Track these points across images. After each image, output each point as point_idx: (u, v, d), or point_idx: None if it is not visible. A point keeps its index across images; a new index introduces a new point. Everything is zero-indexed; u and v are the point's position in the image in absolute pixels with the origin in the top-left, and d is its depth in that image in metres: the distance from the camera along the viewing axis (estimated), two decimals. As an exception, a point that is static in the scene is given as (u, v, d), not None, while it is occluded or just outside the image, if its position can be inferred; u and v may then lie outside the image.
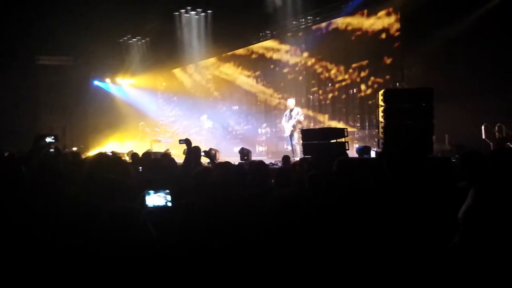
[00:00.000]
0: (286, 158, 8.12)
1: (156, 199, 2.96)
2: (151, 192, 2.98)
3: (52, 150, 6.41)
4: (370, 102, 12.69)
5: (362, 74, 13.07)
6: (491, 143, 9.72)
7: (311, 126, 13.91)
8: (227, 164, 4.36)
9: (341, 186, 3.69)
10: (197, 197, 3.21)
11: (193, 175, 3.61)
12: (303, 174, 5.69)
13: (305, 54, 14.59)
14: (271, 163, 9.92)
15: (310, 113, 14.44)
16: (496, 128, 10.20)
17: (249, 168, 4.43)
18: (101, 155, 4.66)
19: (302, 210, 2.44)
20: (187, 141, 5.90)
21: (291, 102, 11.64)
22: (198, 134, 14.56)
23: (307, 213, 2.46)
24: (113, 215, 1.74)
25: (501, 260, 2.41)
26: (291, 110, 11.36)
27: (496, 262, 2.42)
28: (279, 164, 8.99)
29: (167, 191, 3.02)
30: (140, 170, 5.58)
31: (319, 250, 2.31)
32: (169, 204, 2.97)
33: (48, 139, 5.72)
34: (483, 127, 10.22)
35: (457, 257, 2.56)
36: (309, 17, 14.21)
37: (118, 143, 16.57)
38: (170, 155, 7.79)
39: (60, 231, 2.52)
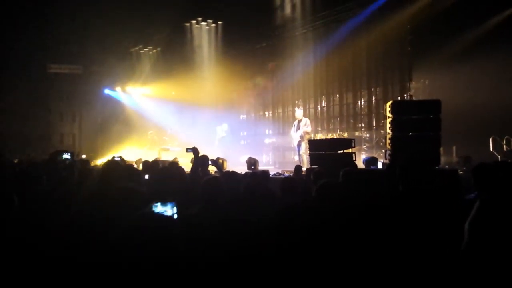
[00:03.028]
0: (297, 168, 8.09)
1: (163, 210, 3.01)
2: (158, 204, 3.02)
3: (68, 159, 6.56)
4: (377, 112, 12.70)
5: (370, 87, 13.09)
6: (498, 156, 9.69)
7: (319, 135, 13.96)
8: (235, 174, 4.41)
9: (351, 196, 3.72)
10: (206, 206, 3.26)
11: (202, 184, 3.67)
12: (310, 184, 5.73)
13: (314, 63, 14.63)
14: (277, 172, 9.97)
15: (318, 124, 14.49)
16: (504, 140, 10.17)
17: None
18: (112, 163, 4.74)
19: (309, 219, 2.46)
20: (194, 150, 5.95)
21: (299, 112, 11.69)
22: (207, 143, 14.64)
23: (314, 223, 2.48)
24: (149, 219, 1.78)
25: (505, 270, 2.44)
26: (299, 121, 11.41)
27: (501, 272, 2.45)
28: (286, 174, 9.03)
29: (174, 203, 3.06)
30: (147, 178, 5.66)
31: (328, 261, 2.33)
32: (175, 216, 3.01)
33: (65, 156, 5.90)
34: (490, 140, 10.20)
35: (462, 266, 2.59)
36: (318, 24, 14.24)
37: (127, 151, 16.67)
38: (178, 164, 7.85)
39: (68, 238, 2.57)
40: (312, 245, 2.26)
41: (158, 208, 3.01)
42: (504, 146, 10.17)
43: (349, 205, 3.26)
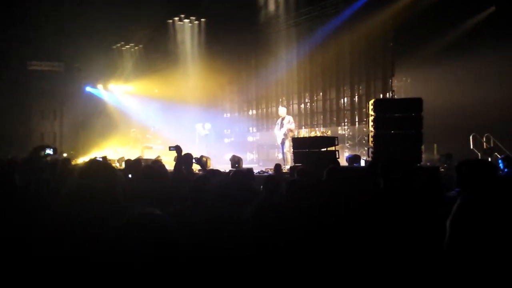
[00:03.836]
0: (277, 167, 8.19)
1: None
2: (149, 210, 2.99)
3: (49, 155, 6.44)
4: (360, 108, 12.79)
5: (352, 83, 13.14)
6: (479, 153, 9.86)
7: (302, 132, 13.99)
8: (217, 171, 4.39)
9: (328, 194, 3.74)
10: (194, 205, 3.25)
11: (194, 182, 3.65)
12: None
13: (297, 59, 14.63)
14: (261, 170, 9.97)
15: (302, 119, 14.52)
16: (484, 138, 10.35)
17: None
18: (92, 162, 4.67)
19: (284, 218, 2.46)
20: (177, 148, 5.90)
21: (282, 110, 11.70)
22: (190, 141, 14.59)
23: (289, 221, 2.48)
24: (141, 221, 1.75)
25: (488, 266, 2.48)
26: (283, 119, 11.43)
27: (483, 268, 2.48)
28: (270, 172, 9.04)
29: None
30: (130, 177, 5.60)
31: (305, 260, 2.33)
32: None
33: (48, 151, 5.79)
34: (471, 137, 10.36)
35: (445, 263, 2.63)
36: (301, 19, 14.24)
37: (110, 150, 16.50)
38: (160, 162, 7.80)
39: (49, 238, 2.53)
40: (285, 244, 2.26)
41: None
42: (484, 143, 10.34)
43: (319, 203, 3.27)
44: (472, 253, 2.53)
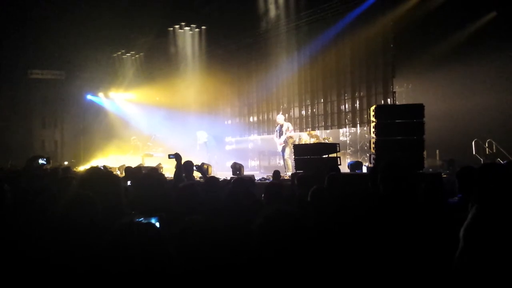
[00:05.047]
0: (276, 173, 8.17)
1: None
2: (141, 219, 2.95)
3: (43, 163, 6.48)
4: (361, 110, 12.74)
5: (353, 85, 13.09)
6: (481, 159, 9.79)
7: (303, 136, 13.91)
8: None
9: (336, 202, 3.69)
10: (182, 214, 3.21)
11: (178, 191, 3.61)
12: (294, 189, 5.71)
13: (298, 63, 14.59)
14: (262, 177, 9.93)
15: (303, 123, 14.45)
16: (487, 143, 10.29)
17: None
18: (93, 170, 4.63)
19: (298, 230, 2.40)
20: (176, 156, 5.86)
21: (280, 118, 11.68)
22: (191, 148, 14.56)
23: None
24: (131, 229, 1.72)
25: (503, 277, 2.41)
26: (281, 126, 11.41)
27: (498, 279, 2.42)
28: (271, 179, 8.99)
29: (157, 217, 2.99)
30: (129, 184, 5.57)
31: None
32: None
33: (41, 161, 5.84)
34: (473, 143, 10.30)
35: (458, 274, 2.56)
36: (302, 22, 14.23)
37: (110, 158, 16.48)
38: (158, 170, 7.77)
39: (46, 247, 2.49)
40: (306, 251, 2.20)
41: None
42: (487, 149, 10.28)
43: (340, 210, 3.22)
44: (487, 267, 2.46)
